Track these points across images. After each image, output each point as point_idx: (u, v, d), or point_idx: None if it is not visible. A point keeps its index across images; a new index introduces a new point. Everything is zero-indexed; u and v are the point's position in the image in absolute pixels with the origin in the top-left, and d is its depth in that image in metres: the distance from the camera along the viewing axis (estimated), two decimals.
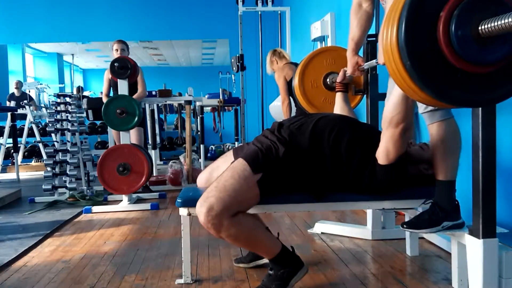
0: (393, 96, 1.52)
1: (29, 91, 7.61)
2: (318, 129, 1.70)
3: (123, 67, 3.51)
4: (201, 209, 1.54)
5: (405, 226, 1.67)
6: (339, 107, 2.20)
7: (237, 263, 2.07)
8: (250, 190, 1.59)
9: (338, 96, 2.22)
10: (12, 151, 5.76)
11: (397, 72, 1.13)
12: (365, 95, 2.42)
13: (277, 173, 1.64)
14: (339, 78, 2.20)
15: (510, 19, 0.98)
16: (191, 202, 1.79)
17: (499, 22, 1.01)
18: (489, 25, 1.03)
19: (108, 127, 4.51)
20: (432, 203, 1.65)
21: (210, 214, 1.52)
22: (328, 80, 2.38)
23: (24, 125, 6.51)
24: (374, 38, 2.37)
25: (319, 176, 1.70)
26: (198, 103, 5.64)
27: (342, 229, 2.57)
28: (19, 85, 7.68)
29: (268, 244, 1.66)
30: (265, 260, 1.97)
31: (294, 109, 3.81)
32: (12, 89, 7.81)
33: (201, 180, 1.99)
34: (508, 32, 1.02)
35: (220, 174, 1.64)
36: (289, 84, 3.86)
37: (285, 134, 1.71)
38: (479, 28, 1.05)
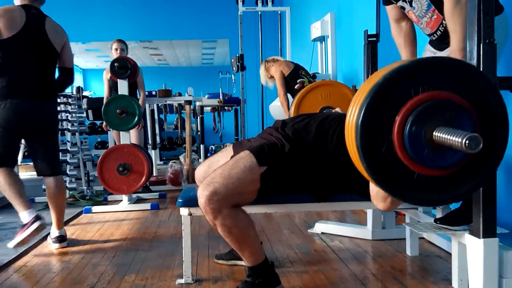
0: None
1: None
2: (323, 128, 1.70)
3: (123, 67, 3.51)
4: (203, 192, 1.53)
5: (438, 222, 1.68)
6: None
7: (217, 259, 2.13)
8: (252, 182, 1.59)
9: None
10: None
11: (358, 165, 1.16)
12: None
13: (281, 168, 1.63)
14: None
15: (458, 139, 1.00)
16: (192, 202, 1.79)
17: (449, 138, 1.02)
18: (441, 135, 1.05)
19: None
20: (466, 200, 1.65)
21: (213, 198, 1.52)
22: None
23: None
24: (375, 38, 2.37)
25: (321, 175, 1.70)
26: (198, 103, 5.63)
27: (342, 229, 2.57)
28: None
29: (255, 248, 1.66)
30: (243, 263, 1.96)
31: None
32: None
33: (199, 173, 1.98)
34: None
35: (225, 163, 1.64)
36: (286, 80, 3.86)
37: (289, 132, 1.71)
38: (433, 134, 1.07)
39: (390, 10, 1.97)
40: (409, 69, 1.09)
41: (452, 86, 1.10)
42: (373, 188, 1.53)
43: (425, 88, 1.08)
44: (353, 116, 1.12)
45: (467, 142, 0.99)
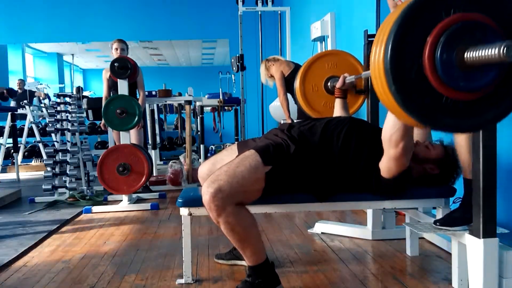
0: (390, 113, 1.51)
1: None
2: (328, 129, 1.72)
3: (123, 67, 3.50)
4: (208, 189, 1.54)
5: (437, 224, 1.67)
6: (338, 113, 2.20)
7: (217, 259, 2.13)
8: (257, 181, 1.60)
9: (337, 102, 2.22)
10: (12, 151, 5.76)
11: (384, 95, 1.13)
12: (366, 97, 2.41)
13: (285, 169, 1.64)
14: (338, 84, 2.19)
15: (494, 51, 0.98)
16: (192, 202, 1.79)
17: (484, 53, 1.01)
18: (474, 54, 1.03)
19: (108, 127, 4.51)
20: (464, 200, 1.65)
21: (217, 195, 1.52)
22: (329, 84, 2.38)
23: (24, 125, 6.51)
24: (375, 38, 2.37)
25: (326, 175, 1.70)
26: (198, 103, 5.63)
27: (342, 229, 2.56)
28: (21, 84, 7.69)
29: (257, 248, 1.66)
30: (243, 263, 1.97)
31: (294, 107, 3.80)
32: (15, 88, 7.82)
33: (203, 171, 1.98)
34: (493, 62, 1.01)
35: (230, 161, 1.64)
36: (286, 80, 3.86)
37: (295, 133, 1.73)
38: (465, 55, 1.05)
39: (390, 2, 2.00)
40: None
41: (483, 8, 1.08)
42: (387, 132, 1.53)
43: (456, 10, 1.06)
44: (380, 43, 1.09)
45: (505, 49, 0.96)
